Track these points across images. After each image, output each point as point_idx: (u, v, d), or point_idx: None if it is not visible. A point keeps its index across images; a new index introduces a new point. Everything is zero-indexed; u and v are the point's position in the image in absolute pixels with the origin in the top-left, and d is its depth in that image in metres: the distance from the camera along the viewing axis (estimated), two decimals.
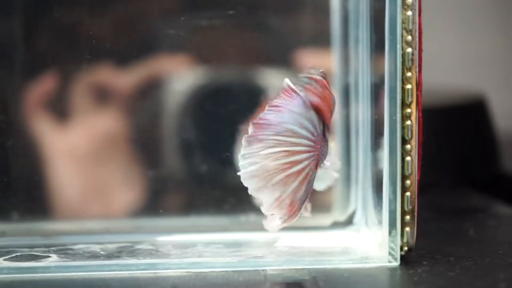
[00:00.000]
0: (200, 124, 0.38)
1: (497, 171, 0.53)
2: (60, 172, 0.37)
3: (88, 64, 0.37)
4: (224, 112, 0.38)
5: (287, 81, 0.31)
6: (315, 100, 0.30)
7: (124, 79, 0.37)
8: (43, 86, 0.36)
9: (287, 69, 0.38)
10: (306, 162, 0.30)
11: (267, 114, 0.30)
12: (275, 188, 0.30)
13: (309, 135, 0.30)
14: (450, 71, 0.63)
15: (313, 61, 0.38)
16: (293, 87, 0.30)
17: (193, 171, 0.38)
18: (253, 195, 0.31)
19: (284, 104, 0.30)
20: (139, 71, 0.37)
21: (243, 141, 0.30)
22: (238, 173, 0.30)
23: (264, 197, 0.30)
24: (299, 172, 0.30)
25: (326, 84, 0.31)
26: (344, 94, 0.37)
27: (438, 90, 0.56)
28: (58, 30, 0.37)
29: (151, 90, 0.37)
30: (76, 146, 0.37)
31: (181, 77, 0.38)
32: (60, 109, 0.37)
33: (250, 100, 0.37)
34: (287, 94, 0.31)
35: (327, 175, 0.33)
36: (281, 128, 0.30)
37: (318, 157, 0.31)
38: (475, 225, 0.39)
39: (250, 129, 0.30)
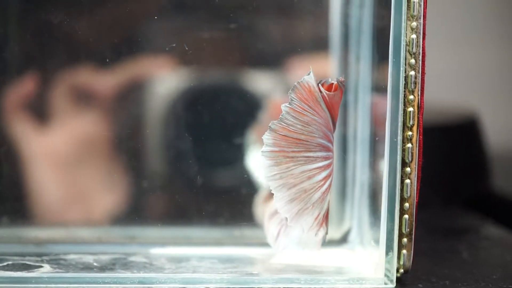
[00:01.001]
0: (186, 128, 0.37)
1: (488, 190, 0.53)
2: (39, 175, 0.36)
3: (68, 66, 0.36)
4: (211, 115, 0.37)
5: (308, 79, 0.29)
6: (336, 104, 0.30)
7: (105, 81, 0.36)
8: (22, 88, 0.36)
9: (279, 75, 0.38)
10: (331, 172, 0.30)
11: (291, 125, 0.29)
12: (314, 208, 0.30)
13: (331, 146, 0.30)
14: (443, 88, 0.63)
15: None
16: (317, 89, 0.29)
17: (179, 176, 0.37)
18: (292, 222, 0.29)
19: (309, 112, 0.29)
20: (121, 72, 0.36)
21: (266, 155, 0.29)
22: (276, 205, 0.29)
23: (303, 221, 0.29)
24: (329, 185, 0.30)
25: (342, 93, 0.30)
26: (342, 111, 0.37)
27: (430, 108, 0.56)
28: (39, 31, 0.36)
29: (133, 92, 0.37)
30: (56, 149, 0.36)
31: (166, 80, 0.37)
32: (40, 111, 0.36)
33: (239, 103, 0.37)
34: (310, 97, 0.29)
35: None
36: (311, 144, 0.29)
37: (334, 158, 0.30)
38: (468, 247, 0.39)
39: (271, 139, 0.29)
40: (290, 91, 0.29)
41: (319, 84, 0.30)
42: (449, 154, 0.53)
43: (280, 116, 0.29)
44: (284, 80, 0.37)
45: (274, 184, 0.29)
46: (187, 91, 0.37)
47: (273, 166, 0.29)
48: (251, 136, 0.37)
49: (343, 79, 0.30)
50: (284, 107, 0.29)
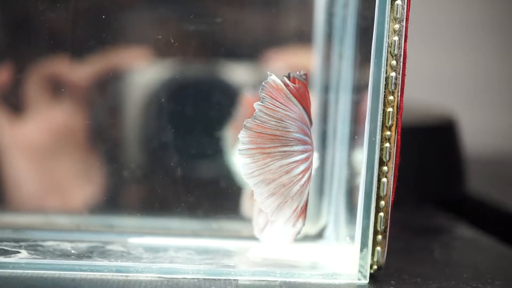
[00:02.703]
0: (165, 120, 0.37)
1: (463, 192, 0.54)
2: (15, 166, 0.36)
3: (43, 56, 0.36)
4: (191, 107, 0.37)
5: (274, 78, 0.30)
6: (306, 96, 0.30)
7: (80, 72, 0.36)
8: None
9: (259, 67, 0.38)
10: (309, 165, 0.30)
11: (265, 122, 0.29)
12: (293, 200, 0.30)
13: (308, 139, 0.30)
14: (420, 89, 0.64)
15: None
16: (284, 85, 0.30)
17: (156, 167, 0.37)
18: (272, 216, 0.30)
19: (282, 108, 0.30)
20: (96, 63, 0.36)
21: (243, 153, 0.29)
22: (255, 198, 0.29)
23: (283, 214, 0.30)
24: (308, 178, 0.30)
25: (306, 85, 0.31)
26: (322, 109, 0.38)
27: (408, 109, 0.56)
28: (13, 21, 0.36)
29: (110, 82, 0.37)
30: (31, 140, 0.36)
31: (143, 71, 0.37)
32: (14, 102, 0.36)
33: (219, 96, 0.37)
34: (279, 94, 0.30)
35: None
36: (287, 139, 0.30)
37: (313, 151, 0.31)
38: (441, 246, 0.40)
39: (247, 137, 0.29)
40: (260, 90, 0.30)
41: (284, 79, 0.30)
42: (424, 155, 0.53)
43: (254, 114, 0.30)
44: (264, 73, 0.38)
45: (253, 181, 0.30)
46: (166, 83, 0.37)
47: (251, 163, 0.30)
48: (227, 132, 0.37)
49: (303, 72, 0.31)
50: (257, 105, 0.30)
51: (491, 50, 0.73)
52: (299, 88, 0.30)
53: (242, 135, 0.29)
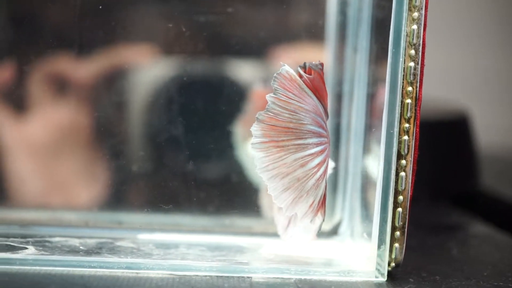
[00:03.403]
0: (170, 117, 0.37)
1: (477, 188, 0.53)
2: (18, 164, 0.35)
3: (46, 54, 0.35)
4: (198, 103, 0.36)
5: (287, 68, 0.29)
6: (322, 87, 0.29)
7: (84, 70, 0.35)
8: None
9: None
10: (325, 157, 0.29)
11: (279, 115, 0.29)
12: (309, 195, 0.29)
13: (323, 131, 0.29)
14: (434, 85, 0.63)
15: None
16: (298, 76, 0.29)
17: (162, 166, 0.36)
18: (288, 211, 0.29)
19: (295, 100, 0.29)
20: (100, 61, 0.35)
21: (256, 146, 0.28)
22: (269, 192, 0.29)
23: (299, 209, 0.29)
24: (324, 171, 0.29)
25: (322, 76, 0.30)
26: (337, 102, 0.37)
27: (421, 105, 0.55)
28: (16, 18, 0.35)
29: (114, 81, 0.36)
30: (35, 138, 0.35)
31: (150, 67, 0.36)
32: (17, 100, 0.35)
33: (229, 91, 0.36)
34: (292, 85, 0.29)
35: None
36: (301, 132, 0.29)
37: (329, 144, 0.30)
38: (457, 243, 0.39)
39: (260, 130, 0.28)
40: (272, 81, 0.29)
41: (299, 70, 0.29)
42: (438, 151, 0.52)
43: (267, 107, 0.29)
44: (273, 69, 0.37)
45: (267, 175, 0.29)
46: (174, 79, 0.36)
47: (264, 157, 0.29)
48: (237, 127, 0.36)
49: (319, 61, 0.30)
50: (269, 97, 0.29)
51: (506, 45, 0.72)
52: (314, 79, 0.29)
53: (255, 128, 0.29)
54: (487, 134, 0.60)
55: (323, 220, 0.30)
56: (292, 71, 0.29)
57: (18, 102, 0.35)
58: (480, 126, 0.57)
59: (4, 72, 0.35)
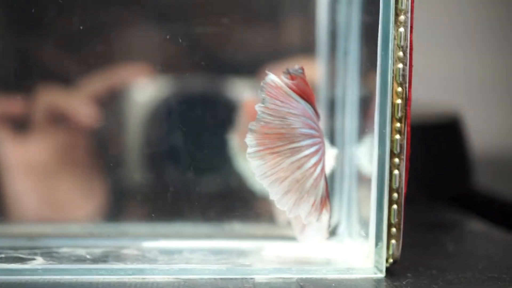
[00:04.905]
0: (167, 134, 0.37)
1: (471, 188, 0.54)
2: (17, 184, 0.36)
3: (40, 86, 0.36)
4: (193, 122, 0.37)
5: (272, 77, 0.30)
6: (307, 90, 0.30)
7: (82, 104, 0.36)
8: (5, 107, 0.36)
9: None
10: (321, 156, 0.30)
11: (270, 123, 0.30)
12: (309, 195, 0.30)
13: (315, 132, 0.30)
14: (426, 88, 0.64)
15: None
16: (283, 83, 0.30)
17: (160, 182, 0.37)
18: (291, 214, 0.30)
19: (283, 106, 0.30)
20: (98, 81, 0.36)
21: (253, 155, 0.29)
22: (271, 198, 0.29)
23: (302, 210, 0.30)
24: (321, 170, 0.30)
25: (305, 79, 0.31)
26: (329, 106, 0.38)
27: (414, 108, 0.56)
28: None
29: (113, 100, 0.37)
30: (33, 158, 0.36)
31: (146, 87, 0.37)
32: (18, 122, 0.36)
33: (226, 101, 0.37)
34: (279, 92, 0.30)
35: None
36: (293, 136, 0.30)
37: (323, 142, 0.31)
38: (453, 240, 0.40)
39: (254, 140, 0.29)
40: (259, 91, 0.30)
41: (282, 77, 0.30)
42: (432, 153, 0.53)
43: (257, 117, 0.30)
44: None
45: (266, 182, 0.30)
46: (169, 98, 0.37)
47: (262, 164, 0.30)
48: (232, 138, 0.37)
49: (298, 67, 0.31)
50: (258, 107, 0.30)
51: (497, 47, 0.73)
52: (298, 84, 0.30)
53: (249, 139, 0.30)
54: (480, 134, 0.61)
55: (330, 216, 0.31)
56: (277, 79, 0.30)
57: (19, 124, 0.36)
58: (473, 127, 0.58)
59: (13, 103, 0.36)
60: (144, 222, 0.37)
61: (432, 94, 0.65)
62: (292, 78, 0.30)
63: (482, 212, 0.48)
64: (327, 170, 0.32)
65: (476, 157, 0.57)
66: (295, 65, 0.31)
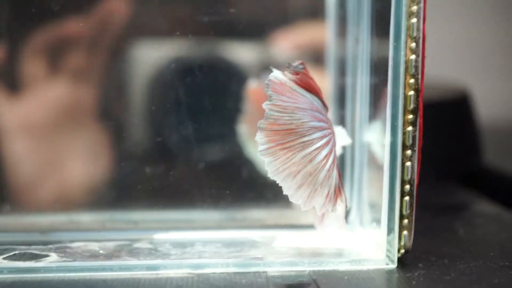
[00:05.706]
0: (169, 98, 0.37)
1: (481, 165, 0.54)
2: (14, 147, 0.36)
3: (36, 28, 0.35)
4: (195, 87, 0.37)
5: (276, 74, 0.30)
6: (312, 83, 0.30)
7: (76, 23, 0.35)
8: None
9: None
10: (332, 147, 0.30)
11: (278, 119, 0.30)
12: (323, 187, 0.30)
13: (324, 124, 0.30)
14: (434, 64, 0.64)
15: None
16: (287, 79, 0.30)
17: (163, 147, 0.37)
18: (305, 207, 0.30)
19: (290, 102, 0.30)
20: (93, 13, 0.35)
21: (264, 153, 0.29)
22: (285, 193, 0.30)
23: (316, 202, 0.30)
24: (333, 161, 0.30)
25: (307, 73, 0.31)
26: (340, 95, 0.38)
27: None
28: None
29: (114, 61, 0.36)
30: (30, 118, 0.36)
31: (150, 49, 0.37)
32: (10, 80, 0.35)
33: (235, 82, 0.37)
34: (284, 88, 0.30)
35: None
36: (303, 130, 0.30)
37: (333, 133, 0.31)
38: (464, 224, 0.40)
39: (264, 137, 0.29)
40: (265, 88, 0.30)
41: (286, 73, 0.30)
42: (440, 130, 0.53)
43: (265, 114, 0.30)
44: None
45: (279, 177, 0.30)
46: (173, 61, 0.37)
47: (274, 161, 0.30)
48: (241, 127, 0.37)
49: (297, 62, 0.30)
50: (265, 105, 0.30)
51: (504, 20, 0.72)
52: (301, 78, 0.30)
53: (259, 137, 0.30)
54: (489, 111, 0.61)
55: (346, 205, 0.31)
56: (281, 75, 0.30)
57: (11, 83, 0.36)
58: (482, 103, 0.58)
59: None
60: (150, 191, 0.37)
61: (440, 70, 0.64)
62: (295, 73, 0.30)
63: (492, 191, 0.48)
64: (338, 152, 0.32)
65: (485, 131, 0.56)
66: (294, 61, 0.30)
